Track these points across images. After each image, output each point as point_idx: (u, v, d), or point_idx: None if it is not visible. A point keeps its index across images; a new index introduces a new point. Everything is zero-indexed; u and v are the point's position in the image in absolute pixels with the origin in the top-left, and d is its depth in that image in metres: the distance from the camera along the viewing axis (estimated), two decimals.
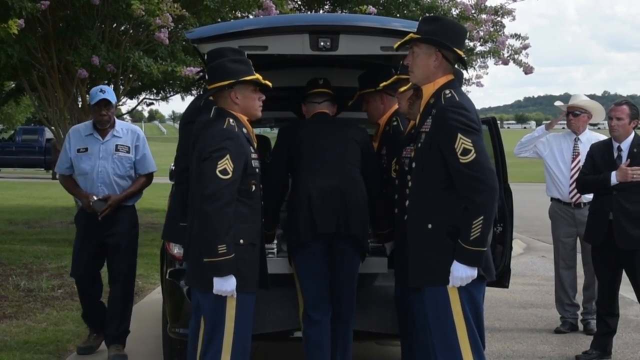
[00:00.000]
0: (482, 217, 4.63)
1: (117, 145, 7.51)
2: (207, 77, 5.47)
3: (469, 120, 4.72)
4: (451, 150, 4.69)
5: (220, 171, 4.99)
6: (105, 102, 7.46)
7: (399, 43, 5.01)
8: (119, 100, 16.41)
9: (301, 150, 6.24)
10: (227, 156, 5.02)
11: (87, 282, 7.65)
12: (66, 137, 7.83)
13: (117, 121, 7.68)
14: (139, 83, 16.13)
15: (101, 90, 7.51)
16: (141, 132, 7.79)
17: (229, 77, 5.21)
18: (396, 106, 6.35)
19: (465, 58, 5.27)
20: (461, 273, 4.68)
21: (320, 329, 6.14)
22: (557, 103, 9.22)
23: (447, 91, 4.82)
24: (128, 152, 7.54)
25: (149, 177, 7.75)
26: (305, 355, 6.17)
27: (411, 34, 4.92)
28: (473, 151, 4.66)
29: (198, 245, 5.09)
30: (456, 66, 5.05)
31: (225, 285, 5.00)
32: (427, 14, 14.83)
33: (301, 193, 6.15)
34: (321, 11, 17.33)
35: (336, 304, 6.21)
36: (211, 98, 5.43)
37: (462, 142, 4.67)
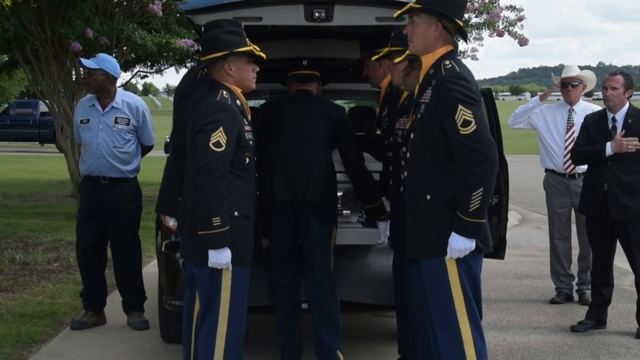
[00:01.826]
0: (481, 189, 4.62)
1: (116, 118, 7.57)
2: (200, 48, 5.45)
3: (469, 91, 4.70)
4: (451, 122, 4.67)
5: (213, 144, 4.97)
6: (85, 66, 7.63)
7: (399, 12, 4.97)
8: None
9: (271, 124, 6.33)
10: (220, 128, 5.00)
11: (93, 254, 7.71)
12: (75, 109, 7.98)
13: (120, 92, 7.73)
14: (133, 55, 16.08)
15: (94, 57, 7.71)
16: (142, 104, 7.82)
17: (222, 48, 5.17)
18: None
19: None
20: (459, 245, 4.68)
21: (283, 291, 6.30)
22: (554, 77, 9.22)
23: (447, 62, 4.79)
24: (127, 124, 7.58)
25: (149, 148, 7.95)
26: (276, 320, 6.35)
27: (411, 4, 4.89)
28: (473, 122, 4.63)
29: (193, 218, 5.08)
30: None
31: (220, 257, 5.00)
32: None
33: (265, 164, 6.17)
34: None
35: (309, 272, 6.29)
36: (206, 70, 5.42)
37: (463, 113, 4.64)
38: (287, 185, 6.20)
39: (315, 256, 6.27)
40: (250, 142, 5.25)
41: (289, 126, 6.31)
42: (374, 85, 6.66)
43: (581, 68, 9.05)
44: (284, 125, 6.32)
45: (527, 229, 14.53)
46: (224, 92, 5.16)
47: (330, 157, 6.36)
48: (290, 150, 6.24)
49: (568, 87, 8.79)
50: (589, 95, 9.32)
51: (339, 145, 6.41)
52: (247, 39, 5.27)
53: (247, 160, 5.22)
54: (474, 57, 17.45)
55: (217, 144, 4.98)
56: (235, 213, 5.10)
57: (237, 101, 5.23)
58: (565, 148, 8.59)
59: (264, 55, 5.29)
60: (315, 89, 6.59)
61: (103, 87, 7.57)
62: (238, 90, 5.28)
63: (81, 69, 13.63)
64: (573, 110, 8.76)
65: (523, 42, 16.27)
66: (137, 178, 7.80)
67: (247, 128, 5.24)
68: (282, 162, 6.22)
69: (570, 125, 8.69)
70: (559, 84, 8.92)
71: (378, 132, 7.40)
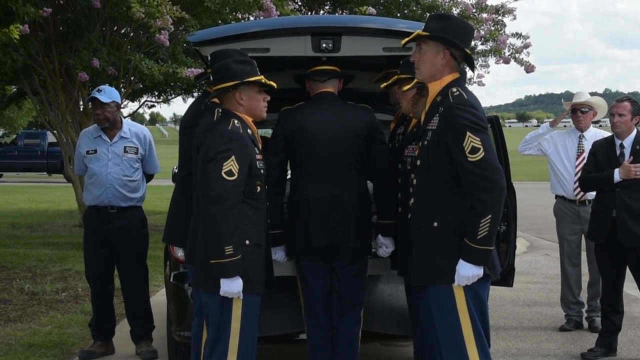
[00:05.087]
0: (490, 216, 4.61)
1: (125, 147, 7.58)
2: (211, 78, 5.47)
3: (477, 118, 4.71)
4: (459, 149, 4.67)
5: (225, 172, 4.99)
6: (97, 102, 7.52)
7: (407, 40, 4.99)
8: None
9: (298, 145, 6.08)
10: (233, 157, 5.02)
11: (102, 283, 7.72)
12: (77, 140, 7.95)
13: (125, 122, 7.75)
14: (140, 85, 16.15)
15: (98, 90, 7.59)
16: (148, 133, 7.87)
17: (233, 78, 5.20)
18: None
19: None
20: (467, 272, 4.67)
21: (322, 332, 6.13)
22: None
23: (455, 89, 4.80)
24: (136, 153, 7.62)
25: (151, 176, 7.96)
26: (309, 358, 6.19)
27: (419, 31, 4.90)
28: (482, 150, 4.64)
29: (204, 247, 5.09)
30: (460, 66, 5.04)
31: (232, 286, 4.99)
32: (428, 14, 14.84)
33: (298, 199, 6.06)
34: (322, 12, 17.35)
35: (337, 317, 6.14)
36: (214, 100, 5.44)
37: (471, 140, 4.65)
38: (325, 229, 5.97)
39: (347, 302, 6.11)
40: (262, 171, 5.26)
41: (318, 151, 6.02)
42: (395, 102, 6.54)
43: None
44: (311, 149, 6.03)
45: (536, 256, 14.49)
46: (235, 121, 5.18)
47: (366, 186, 6.18)
48: (324, 185, 5.99)
49: (578, 113, 8.78)
50: (595, 122, 9.29)
51: (368, 158, 6.12)
52: (257, 69, 5.29)
53: (259, 188, 5.22)
54: (480, 83, 17.52)
55: (229, 173, 5.00)
56: (247, 242, 5.10)
57: (248, 130, 5.24)
58: (576, 174, 8.56)
59: (274, 85, 5.30)
60: (337, 87, 6.28)
61: (115, 119, 7.62)
62: (249, 120, 5.30)
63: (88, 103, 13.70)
64: (583, 136, 8.74)
65: (529, 68, 16.37)
66: (142, 206, 7.82)
67: (259, 157, 5.26)
68: (316, 201, 5.98)
69: (580, 151, 8.67)
70: (569, 110, 8.92)
71: None
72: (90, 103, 7.64)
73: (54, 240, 15.43)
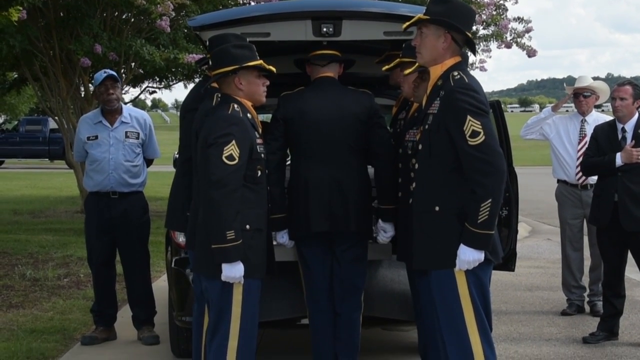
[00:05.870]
0: (490, 200, 4.60)
1: (126, 132, 7.59)
2: (210, 63, 5.45)
3: (478, 102, 4.68)
4: (460, 133, 4.65)
5: (226, 157, 4.98)
6: (112, 79, 7.56)
7: (407, 24, 4.97)
8: (122, 89, 16.44)
9: (298, 130, 6.05)
10: (233, 142, 5.01)
11: (104, 269, 7.74)
12: (77, 127, 7.96)
13: (124, 107, 7.76)
14: (142, 71, 16.13)
15: (105, 71, 7.62)
16: (148, 118, 7.88)
17: (233, 62, 5.19)
18: None
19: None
20: (468, 256, 4.66)
21: (324, 317, 6.14)
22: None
23: (456, 73, 4.78)
24: (137, 138, 7.63)
25: (151, 161, 7.98)
26: (312, 343, 6.19)
27: (420, 15, 4.88)
28: (482, 133, 4.62)
29: (205, 232, 5.08)
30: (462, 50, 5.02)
31: (234, 271, 4.99)
32: None
33: (298, 184, 6.05)
34: None
35: (338, 302, 6.14)
36: (214, 85, 5.42)
37: (472, 124, 4.63)
38: (324, 215, 5.96)
39: (348, 288, 6.11)
40: (262, 155, 5.26)
41: (318, 136, 6.00)
42: (393, 83, 6.51)
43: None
44: (312, 134, 6.01)
45: (537, 241, 14.50)
46: (235, 106, 5.17)
47: (366, 171, 6.17)
48: (324, 169, 5.98)
49: (580, 97, 8.76)
50: (597, 106, 9.27)
51: (368, 143, 6.07)
52: (256, 53, 5.28)
53: (259, 173, 5.22)
54: (482, 69, 17.48)
55: (230, 157, 4.99)
56: (247, 226, 5.09)
57: (248, 114, 5.23)
58: (578, 159, 8.55)
59: (274, 69, 5.28)
60: (337, 71, 6.24)
61: (119, 99, 7.66)
62: (249, 104, 5.28)
63: (90, 86, 13.70)
64: (585, 120, 8.72)
65: (531, 53, 16.31)
66: (144, 192, 7.82)
67: (259, 141, 5.25)
68: (316, 185, 5.98)
69: (582, 135, 8.65)
70: (571, 94, 8.90)
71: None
72: (100, 85, 7.59)
73: (56, 226, 15.45)
